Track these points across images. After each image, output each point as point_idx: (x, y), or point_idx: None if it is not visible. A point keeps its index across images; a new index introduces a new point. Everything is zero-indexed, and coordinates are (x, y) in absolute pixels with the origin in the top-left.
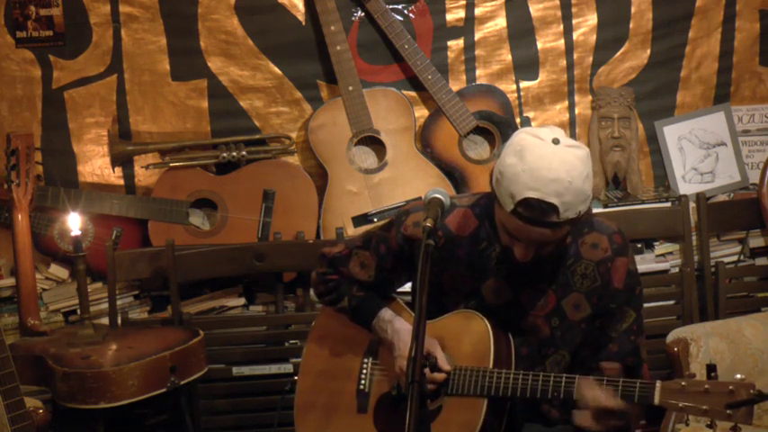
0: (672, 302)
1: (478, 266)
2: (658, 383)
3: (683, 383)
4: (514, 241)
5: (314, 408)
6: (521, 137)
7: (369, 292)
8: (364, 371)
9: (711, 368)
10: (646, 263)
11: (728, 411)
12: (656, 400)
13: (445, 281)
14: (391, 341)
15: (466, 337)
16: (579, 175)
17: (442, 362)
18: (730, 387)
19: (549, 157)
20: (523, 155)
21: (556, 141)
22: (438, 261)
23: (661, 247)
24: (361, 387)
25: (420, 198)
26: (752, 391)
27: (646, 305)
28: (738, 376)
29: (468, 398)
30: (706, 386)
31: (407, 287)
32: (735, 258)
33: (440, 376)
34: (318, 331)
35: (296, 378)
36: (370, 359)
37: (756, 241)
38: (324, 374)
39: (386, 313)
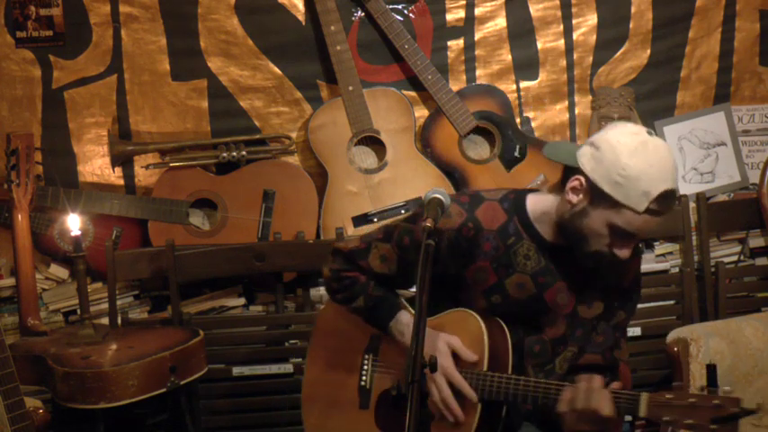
0: (672, 302)
1: (504, 261)
2: (644, 396)
3: (668, 396)
4: (623, 242)
5: (318, 399)
6: (618, 138)
7: (386, 293)
8: (365, 367)
9: (711, 368)
10: (646, 263)
11: (713, 426)
12: (642, 413)
13: (469, 275)
14: (408, 346)
15: (462, 337)
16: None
17: (468, 355)
18: (716, 401)
19: (661, 148)
20: (642, 153)
21: (650, 132)
22: (465, 254)
23: (661, 247)
24: (362, 383)
25: (432, 195)
26: (737, 408)
27: (646, 305)
28: (726, 389)
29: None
30: (692, 399)
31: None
32: (735, 258)
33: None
34: (323, 322)
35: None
36: (371, 356)
37: (756, 241)
38: (328, 367)
39: (404, 316)
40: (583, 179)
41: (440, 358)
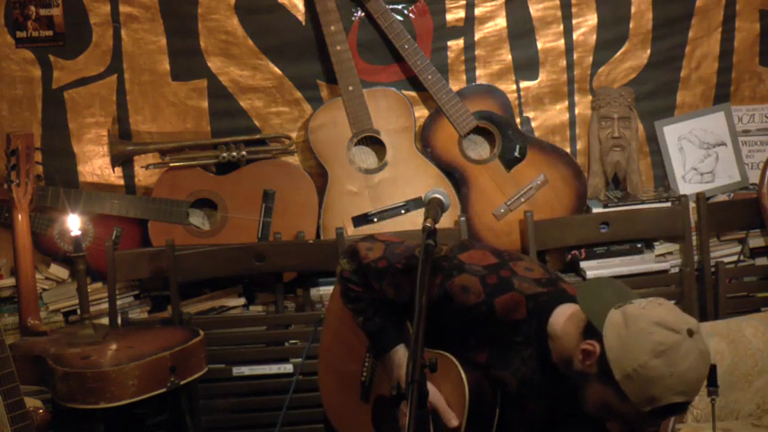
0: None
1: (502, 354)
2: None
3: None
4: (613, 424)
5: (330, 369)
6: (656, 332)
7: (388, 321)
8: (366, 364)
9: (711, 368)
10: (646, 263)
11: None
12: None
13: (466, 334)
14: (397, 381)
15: (446, 385)
16: (709, 358)
17: (449, 417)
18: None
19: (692, 355)
20: (668, 355)
21: (690, 333)
22: (470, 325)
23: (661, 247)
24: (363, 379)
25: (432, 195)
26: None
27: None
28: None
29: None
30: None
31: None
32: (735, 258)
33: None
34: (338, 297)
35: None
36: (372, 356)
37: (756, 241)
38: (341, 340)
39: (397, 354)
40: (598, 349)
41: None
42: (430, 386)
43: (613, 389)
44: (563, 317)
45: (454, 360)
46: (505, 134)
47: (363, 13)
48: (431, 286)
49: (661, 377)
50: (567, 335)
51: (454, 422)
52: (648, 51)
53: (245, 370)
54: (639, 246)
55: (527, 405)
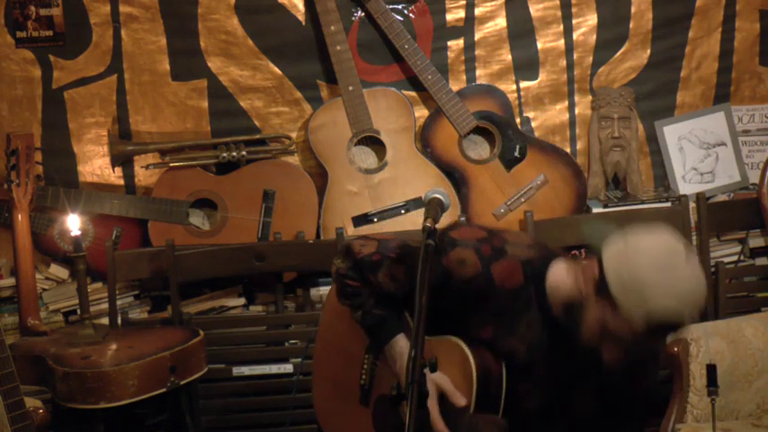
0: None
1: (506, 322)
2: None
3: None
4: (612, 346)
5: (327, 378)
6: (655, 246)
7: (388, 312)
8: (364, 366)
9: (711, 368)
10: None
11: None
12: None
13: (472, 318)
14: (398, 373)
15: (452, 369)
16: (704, 288)
17: (457, 398)
18: None
19: (687, 270)
20: (663, 264)
21: (687, 253)
22: (471, 300)
23: None
24: (362, 382)
25: (432, 195)
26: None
27: None
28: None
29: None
30: None
31: None
32: (735, 258)
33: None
34: (332, 305)
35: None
36: (371, 356)
37: (756, 241)
38: (336, 350)
39: (400, 342)
40: (597, 267)
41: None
42: (435, 375)
43: (608, 302)
44: (558, 272)
45: (459, 341)
46: (505, 134)
47: (363, 13)
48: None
49: (653, 282)
50: (564, 284)
51: (462, 401)
52: (648, 51)
53: (245, 370)
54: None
55: (535, 371)
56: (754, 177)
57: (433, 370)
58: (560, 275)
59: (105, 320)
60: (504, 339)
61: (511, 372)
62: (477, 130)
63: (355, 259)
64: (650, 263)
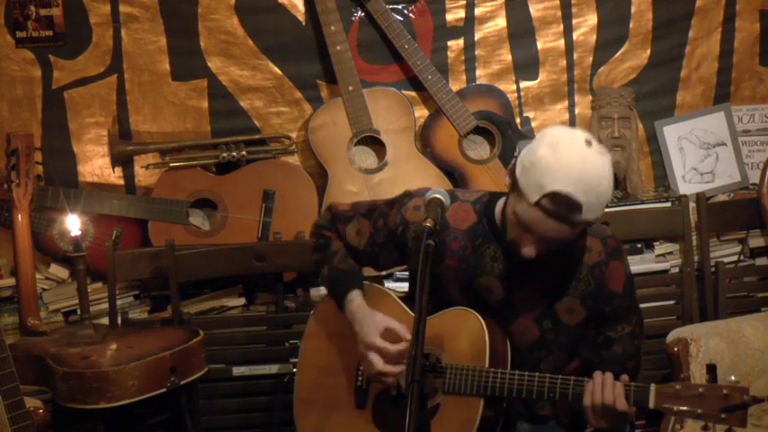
0: (672, 302)
1: (472, 262)
2: (653, 387)
3: (677, 387)
4: (524, 236)
5: (314, 403)
6: (555, 131)
7: (351, 267)
8: (361, 367)
9: (711, 368)
10: (646, 263)
11: (723, 415)
12: (651, 404)
13: (441, 272)
14: (352, 326)
15: (462, 335)
16: (606, 180)
17: (401, 330)
18: (724, 391)
19: (582, 156)
20: (558, 149)
21: (589, 143)
22: (433, 251)
23: (661, 247)
24: (358, 384)
25: (432, 195)
26: (746, 397)
27: (646, 305)
28: (732, 378)
29: (466, 397)
30: (700, 390)
31: (404, 284)
32: (735, 258)
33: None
34: (315, 326)
35: (294, 370)
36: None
37: (756, 241)
38: (322, 369)
39: (355, 298)
40: (514, 163)
41: (368, 336)
42: (379, 316)
43: (516, 189)
44: (503, 200)
45: (467, 309)
46: (506, 134)
47: (363, 13)
48: (389, 216)
49: (548, 165)
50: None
51: (406, 334)
52: (648, 51)
53: (245, 370)
54: (639, 246)
55: (515, 298)
56: (754, 177)
57: (433, 370)
58: (504, 200)
59: (105, 320)
60: (475, 277)
61: (503, 312)
62: (478, 130)
63: (332, 212)
64: (546, 143)
